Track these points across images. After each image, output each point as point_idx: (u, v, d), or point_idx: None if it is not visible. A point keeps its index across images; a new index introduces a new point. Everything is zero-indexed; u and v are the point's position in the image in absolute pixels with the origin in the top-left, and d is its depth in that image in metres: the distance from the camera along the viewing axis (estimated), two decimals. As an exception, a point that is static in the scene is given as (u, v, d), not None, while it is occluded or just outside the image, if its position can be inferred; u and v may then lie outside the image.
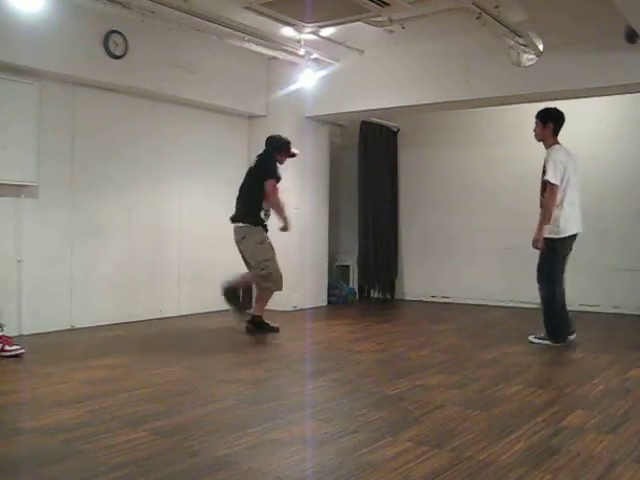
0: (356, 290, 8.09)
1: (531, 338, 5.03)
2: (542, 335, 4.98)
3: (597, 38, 5.21)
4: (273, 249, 5.35)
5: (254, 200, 5.29)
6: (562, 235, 4.83)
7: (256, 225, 5.28)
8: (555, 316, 4.92)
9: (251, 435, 2.77)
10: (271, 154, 5.46)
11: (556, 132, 4.91)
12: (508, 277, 7.28)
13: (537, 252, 4.88)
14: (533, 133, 5.00)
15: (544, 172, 4.85)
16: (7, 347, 4.29)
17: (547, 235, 4.80)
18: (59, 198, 5.34)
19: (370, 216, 7.96)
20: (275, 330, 5.39)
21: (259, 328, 5.36)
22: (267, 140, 5.56)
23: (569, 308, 4.96)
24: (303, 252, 6.99)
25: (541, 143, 4.96)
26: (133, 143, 5.90)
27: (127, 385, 3.62)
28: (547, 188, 4.79)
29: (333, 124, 7.77)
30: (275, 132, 6.60)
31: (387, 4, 4.54)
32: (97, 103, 5.57)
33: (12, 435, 2.80)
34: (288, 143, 5.52)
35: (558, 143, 4.90)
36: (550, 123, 4.88)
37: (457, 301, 7.67)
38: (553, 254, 4.85)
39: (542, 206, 4.84)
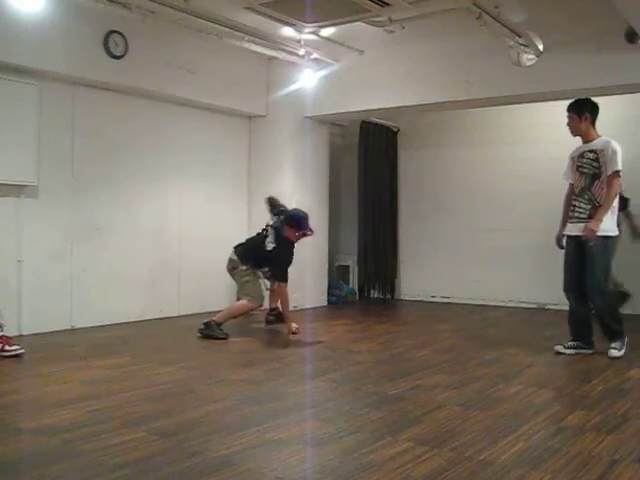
0: (356, 290, 8.08)
1: (615, 353, 4.46)
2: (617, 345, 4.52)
3: (597, 38, 5.21)
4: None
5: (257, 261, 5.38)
6: (616, 233, 4.51)
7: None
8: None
9: (251, 435, 2.77)
10: (286, 238, 5.33)
11: (593, 123, 4.50)
12: (508, 277, 7.28)
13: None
14: (568, 128, 4.59)
15: (581, 167, 4.48)
16: (7, 347, 4.29)
17: (603, 232, 4.35)
18: (59, 198, 5.34)
19: (370, 216, 7.97)
20: (224, 337, 5.17)
21: (212, 331, 5.14)
22: (288, 215, 5.40)
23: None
24: (303, 252, 6.96)
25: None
26: (133, 143, 5.90)
27: (127, 385, 3.62)
28: (611, 177, 4.33)
29: (333, 124, 7.78)
30: (275, 132, 6.67)
31: (387, 4, 4.54)
32: (97, 103, 5.57)
33: (12, 435, 2.80)
34: (307, 222, 5.35)
35: (599, 136, 4.51)
36: (586, 114, 4.48)
37: (457, 301, 7.67)
38: (607, 253, 4.47)
39: (606, 198, 4.35)
